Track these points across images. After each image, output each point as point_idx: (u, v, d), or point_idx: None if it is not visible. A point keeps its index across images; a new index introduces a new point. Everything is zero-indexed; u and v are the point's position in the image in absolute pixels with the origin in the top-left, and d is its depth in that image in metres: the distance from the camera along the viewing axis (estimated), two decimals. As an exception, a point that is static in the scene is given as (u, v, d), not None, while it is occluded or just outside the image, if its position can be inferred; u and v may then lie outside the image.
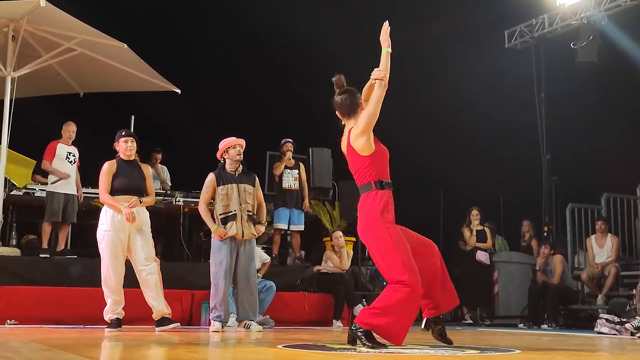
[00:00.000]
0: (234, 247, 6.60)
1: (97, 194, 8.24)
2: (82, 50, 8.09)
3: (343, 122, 4.41)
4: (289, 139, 8.96)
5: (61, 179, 7.77)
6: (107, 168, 6.31)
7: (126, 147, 6.35)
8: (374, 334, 4.05)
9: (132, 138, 6.39)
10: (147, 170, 6.56)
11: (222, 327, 6.49)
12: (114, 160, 6.39)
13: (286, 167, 8.84)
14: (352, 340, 4.10)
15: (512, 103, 11.65)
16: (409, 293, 4.00)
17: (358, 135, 4.19)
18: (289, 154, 8.85)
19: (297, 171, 8.91)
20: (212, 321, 6.56)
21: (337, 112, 4.40)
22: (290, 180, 8.85)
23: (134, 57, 8.14)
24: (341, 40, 11.57)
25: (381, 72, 4.19)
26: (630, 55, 10.37)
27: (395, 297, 4.00)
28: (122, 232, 6.18)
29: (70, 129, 7.98)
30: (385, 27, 4.28)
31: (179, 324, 6.43)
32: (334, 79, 4.39)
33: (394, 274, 4.04)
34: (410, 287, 3.99)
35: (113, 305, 6.17)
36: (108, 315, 6.19)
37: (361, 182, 4.25)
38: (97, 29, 7.68)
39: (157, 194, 7.62)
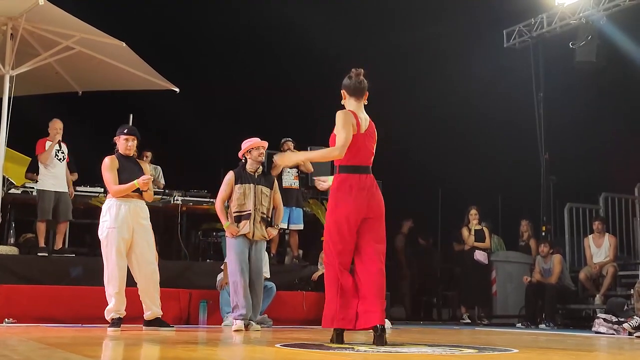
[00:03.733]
0: (245, 246, 6.63)
1: (95, 192, 8.32)
2: (81, 49, 8.08)
3: (342, 102, 4.59)
4: (289, 139, 8.95)
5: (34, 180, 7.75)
6: (110, 163, 6.23)
7: (126, 145, 6.31)
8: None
9: (133, 137, 6.34)
10: (145, 167, 6.51)
11: (245, 326, 6.43)
12: (114, 155, 6.33)
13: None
14: (383, 342, 4.23)
15: (511, 102, 11.63)
16: None
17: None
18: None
19: (296, 170, 8.90)
20: (234, 320, 6.48)
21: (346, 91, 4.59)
22: (290, 178, 8.84)
23: (133, 56, 8.13)
24: (342, 40, 11.55)
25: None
26: (628, 55, 10.37)
27: (383, 281, 4.44)
28: (126, 228, 6.10)
29: (56, 127, 7.90)
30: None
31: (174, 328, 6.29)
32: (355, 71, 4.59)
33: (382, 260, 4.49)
34: None
35: (116, 305, 6.05)
36: (110, 314, 6.08)
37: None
38: (96, 27, 7.66)
39: (155, 193, 7.59)
